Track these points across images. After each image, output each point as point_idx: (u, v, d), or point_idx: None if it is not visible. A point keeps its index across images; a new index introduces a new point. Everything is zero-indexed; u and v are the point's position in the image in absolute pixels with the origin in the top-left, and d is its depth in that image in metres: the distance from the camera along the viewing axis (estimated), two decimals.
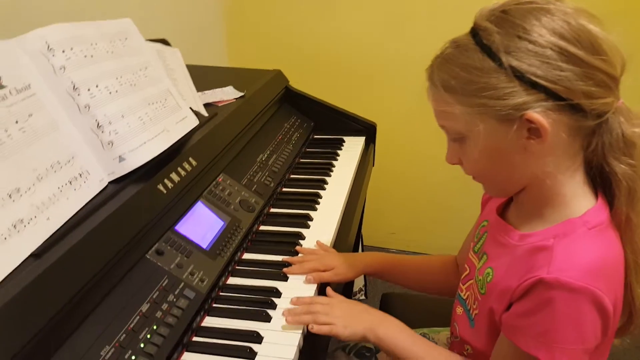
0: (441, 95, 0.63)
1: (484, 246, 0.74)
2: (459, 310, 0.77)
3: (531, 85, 0.56)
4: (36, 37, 0.69)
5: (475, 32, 0.61)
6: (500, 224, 0.70)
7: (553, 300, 0.57)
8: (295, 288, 0.83)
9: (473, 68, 0.59)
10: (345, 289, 1.61)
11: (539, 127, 0.57)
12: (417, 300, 1.17)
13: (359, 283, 1.89)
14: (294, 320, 0.74)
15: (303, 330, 0.74)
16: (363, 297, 1.92)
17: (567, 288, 0.56)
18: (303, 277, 0.86)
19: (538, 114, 0.56)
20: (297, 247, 0.94)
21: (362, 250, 1.93)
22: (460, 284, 0.79)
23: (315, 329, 0.73)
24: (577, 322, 0.57)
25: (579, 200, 0.62)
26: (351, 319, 0.75)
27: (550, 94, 0.56)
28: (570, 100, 0.56)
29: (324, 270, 0.87)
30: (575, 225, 0.60)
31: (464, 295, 0.76)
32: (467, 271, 0.78)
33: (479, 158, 0.64)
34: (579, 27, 0.57)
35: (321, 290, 0.85)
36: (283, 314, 0.76)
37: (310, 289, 0.84)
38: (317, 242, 0.95)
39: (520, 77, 0.56)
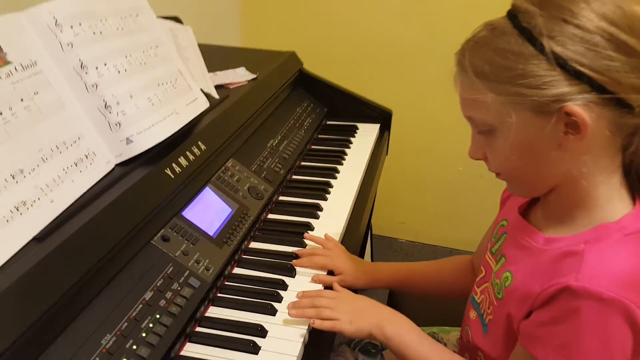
0: (471, 81, 0.58)
1: (503, 247, 0.70)
2: (472, 314, 0.74)
3: (575, 74, 0.52)
4: (44, 12, 0.67)
5: (513, 14, 0.56)
6: (523, 224, 0.66)
7: (579, 310, 0.53)
8: (303, 281, 0.81)
9: (510, 53, 0.54)
10: None
11: (579, 121, 0.52)
12: (426, 297, 1.14)
13: None
14: (297, 314, 0.72)
15: (308, 325, 0.72)
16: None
17: (596, 298, 0.52)
18: (311, 271, 0.84)
19: (579, 107, 0.52)
20: (306, 234, 0.91)
21: (371, 240, 1.91)
22: (475, 287, 0.76)
23: (317, 324, 0.70)
24: (605, 336, 0.53)
25: (615, 204, 0.58)
26: (357, 314, 0.72)
27: (595, 86, 0.51)
28: (617, 93, 0.51)
29: (331, 271, 0.85)
30: (609, 231, 0.56)
31: (478, 298, 0.73)
32: (483, 273, 0.74)
33: (508, 153, 0.59)
34: (632, 13, 0.51)
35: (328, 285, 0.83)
36: (288, 307, 0.74)
37: (317, 287, 0.81)
38: (326, 235, 0.92)
39: (562, 65, 0.52)
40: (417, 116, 1.91)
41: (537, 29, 0.53)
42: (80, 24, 0.70)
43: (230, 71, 1.16)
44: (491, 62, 0.56)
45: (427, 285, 0.91)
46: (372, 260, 1.92)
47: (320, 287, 0.81)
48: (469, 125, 0.64)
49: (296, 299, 0.76)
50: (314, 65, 1.48)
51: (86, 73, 0.70)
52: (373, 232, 2.06)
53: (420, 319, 0.76)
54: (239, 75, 1.15)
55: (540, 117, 0.54)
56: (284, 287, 0.79)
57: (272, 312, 0.74)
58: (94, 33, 0.72)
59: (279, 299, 0.76)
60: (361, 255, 1.56)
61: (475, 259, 0.87)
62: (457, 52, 0.61)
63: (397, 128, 1.51)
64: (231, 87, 1.11)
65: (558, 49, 0.52)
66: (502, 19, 0.58)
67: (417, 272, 0.91)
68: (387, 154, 1.48)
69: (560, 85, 0.52)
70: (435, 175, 2.04)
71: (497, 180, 0.69)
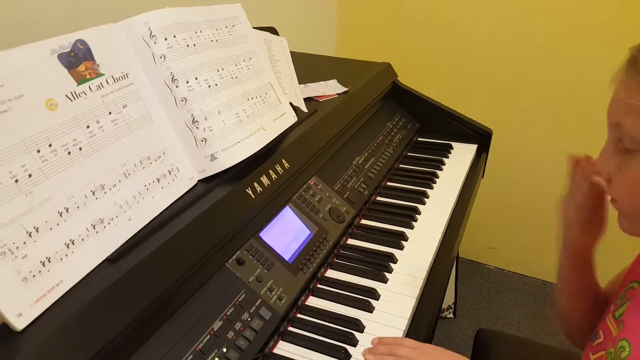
0: None
1: (625, 314, 0.60)
2: None
3: None
4: (140, 23, 0.65)
5: None
6: None
7: None
8: (381, 323, 0.74)
9: None
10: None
11: None
12: (519, 343, 1.02)
13: (448, 300, 1.75)
14: None
15: None
16: (451, 316, 1.78)
17: None
18: (391, 310, 0.76)
19: None
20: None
21: (457, 264, 1.77)
22: (590, 353, 0.64)
23: None
24: None
25: None
26: None
27: None
28: None
29: None
30: None
31: None
32: (601, 339, 0.63)
33: None
34: None
35: (408, 334, 0.74)
36: (363, 354, 0.67)
37: (399, 326, 0.74)
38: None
39: None
40: (516, 138, 1.75)
41: None
42: (174, 36, 0.68)
43: (321, 83, 1.11)
44: None
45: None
46: (455, 287, 1.79)
47: (403, 325, 0.73)
48: (607, 134, 0.55)
49: (371, 345, 0.69)
50: (408, 78, 1.39)
51: (176, 87, 0.68)
52: (459, 255, 1.93)
53: None
54: (330, 88, 1.09)
55: None
56: (360, 328, 0.72)
57: (346, 357, 0.67)
58: (187, 45, 0.70)
59: (354, 342, 0.70)
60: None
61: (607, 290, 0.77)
62: (633, 47, 0.52)
63: (495, 147, 1.38)
64: (321, 100, 1.06)
65: None
66: None
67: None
68: (483, 177, 1.35)
69: None
70: (531, 201, 1.86)
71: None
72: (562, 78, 1.62)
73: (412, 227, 0.99)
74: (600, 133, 0.59)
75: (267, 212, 0.81)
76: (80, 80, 0.57)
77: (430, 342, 0.78)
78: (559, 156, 1.81)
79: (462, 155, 1.30)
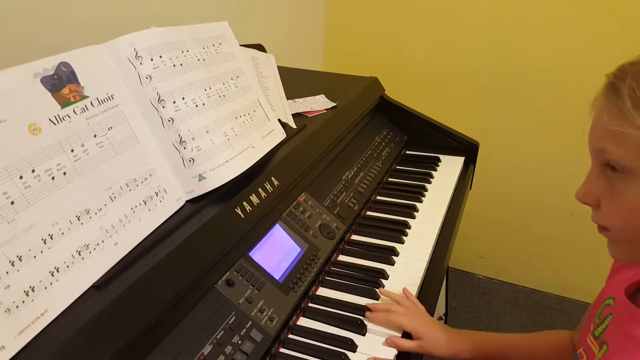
0: (625, 111, 0.48)
1: (606, 333, 0.59)
2: None
3: None
4: (125, 44, 0.64)
5: None
6: (630, 309, 0.55)
7: None
8: (373, 345, 0.73)
9: None
10: None
11: None
12: None
13: (439, 310, 1.75)
14: None
15: None
16: None
17: None
18: (384, 330, 0.76)
19: None
20: (381, 290, 0.83)
21: (447, 274, 1.78)
22: None
23: None
24: None
25: None
26: None
27: None
28: None
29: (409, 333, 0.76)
30: None
31: None
32: (584, 359, 0.63)
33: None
34: None
35: (401, 354, 0.74)
36: None
37: (390, 351, 0.73)
38: (404, 290, 0.83)
39: None
40: (503, 146, 1.77)
41: None
42: (160, 56, 0.68)
43: (309, 99, 1.11)
44: None
45: None
46: (446, 298, 1.79)
47: (393, 351, 0.72)
48: (590, 159, 0.54)
49: None
50: (395, 92, 1.40)
51: (163, 107, 0.67)
52: (449, 265, 1.93)
53: None
54: (319, 103, 1.09)
55: None
56: (353, 348, 0.72)
57: None
58: (174, 65, 0.69)
59: None
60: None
61: (577, 336, 0.75)
62: (610, 74, 0.51)
63: (481, 158, 1.39)
64: (310, 115, 1.06)
65: None
66: None
67: (506, 345, 0.79)
68: (470, 189, 1.36)
69: None
70: (520, 210, 1.87)
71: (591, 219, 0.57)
72: (549, 90, 1.64)
73: (402, 242, 0.99)
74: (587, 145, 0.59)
75: (257, 230, 0.80)
76: (64, 103, 0.56)
77: (421, 356, 0.78)
78: (544, 167, 1.83)
79: (449, 167, 1.30)
